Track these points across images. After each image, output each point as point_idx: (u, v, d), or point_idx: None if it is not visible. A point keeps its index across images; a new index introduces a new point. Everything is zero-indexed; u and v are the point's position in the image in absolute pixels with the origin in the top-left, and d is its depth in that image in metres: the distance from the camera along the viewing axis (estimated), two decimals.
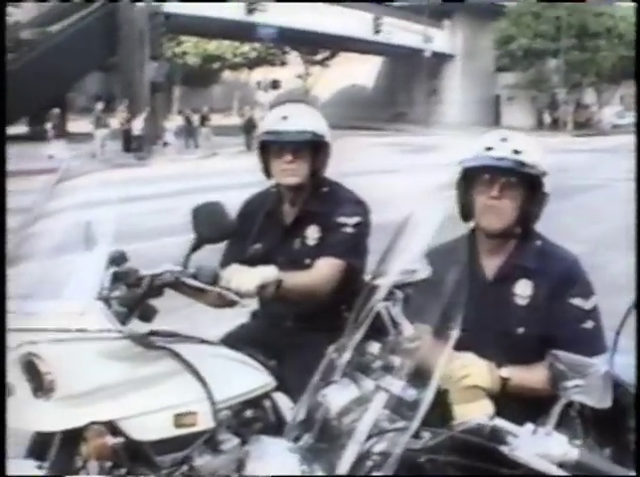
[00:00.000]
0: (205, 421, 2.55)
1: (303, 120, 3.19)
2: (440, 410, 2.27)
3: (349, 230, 3.14)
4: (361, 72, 60.23)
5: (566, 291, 2.59)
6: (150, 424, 2.48)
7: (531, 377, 2.45)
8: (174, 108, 49.59)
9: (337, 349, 2.08)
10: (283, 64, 63.63)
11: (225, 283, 2.63)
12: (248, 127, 30.45)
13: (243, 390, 2.73)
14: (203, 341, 2.79)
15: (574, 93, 49.47)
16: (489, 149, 2.59)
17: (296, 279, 2.92)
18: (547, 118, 50.30)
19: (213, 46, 60.71)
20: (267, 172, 3.29)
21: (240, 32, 45.96)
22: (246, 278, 2.66)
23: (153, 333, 2.69)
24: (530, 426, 1.89)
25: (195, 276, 2.62)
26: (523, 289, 2.64)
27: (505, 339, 2.60)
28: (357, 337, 2.07)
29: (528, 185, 2.62)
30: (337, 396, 1.96)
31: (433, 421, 2.26)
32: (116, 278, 2.66)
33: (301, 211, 3.28)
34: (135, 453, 2.49)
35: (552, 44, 47.55)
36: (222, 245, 3.24)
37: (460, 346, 2.48)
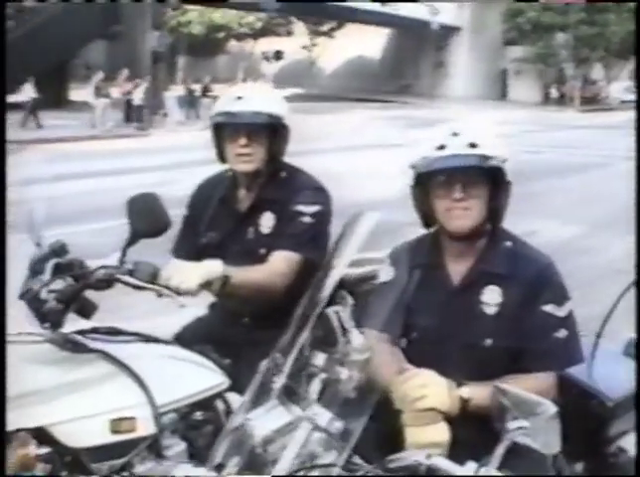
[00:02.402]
0: (144, 427, 2.37)
1: (259, 101, 2.97)
2: (391, 430, 2.09)
3: (306, 219, 2.93)
4: (367, 43, 59.69)
5: (538, 297, 2.35)
6: (84, 431, 2.30)
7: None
8: (178, 78, 49.21)
9: (273, 362, 1.87)
10: (289, 34, 63.19)
11: (164, 281, 2.41)
12: None
13: (192, 391, 2.54)
14: (147, 339, 2.61)
15: (582, 68, 48.93)
16: (441, 148, 2.33)
17: (246, 275, 2.72)
18: (554, 93, 49.83)
19: (218, 15, 60.24)
20: (221, 157, 3.07)
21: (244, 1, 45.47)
22: (187, 276, 2.44)
23: (93, 330, 2.52)
24: (472, 466, 1.69)
25: (131, 273, 2.41)
26: (491, 297, 2.40)
27: (471, 352, 2.37)
28: (297, 346, 1.86)
29: (490, 178, 2.38)
30: (263, 421, 1.76)
31: (383, 442, 2.09)
32: (58, 271, 2.47)
33: (256, 197, 3.07)
34: (70, 461, 2.31)
35: (560, 17, 46.98)
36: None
37: (420, 359, 2.29)
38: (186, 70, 55.03)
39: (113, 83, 29.45)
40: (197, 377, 2.59)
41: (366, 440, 1.83)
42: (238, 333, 2.95)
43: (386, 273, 2.48)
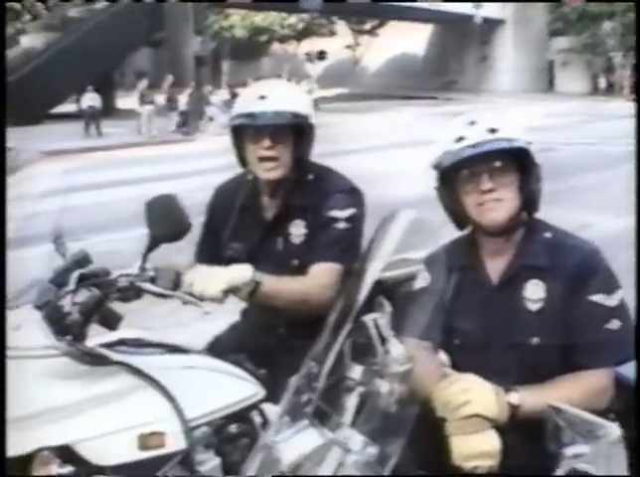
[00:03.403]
0: (174, 442, 2.24)
1: (282, 99, 2.74)
2: (436, 441, 1.94)
3: (341, 225, 2.71)
4: (410, 40, 59.28)
5: (584, 287, 2.16)
6: (111, 447, 2.18)
7: (547, 399, 1.96)
8: (223, 82, 49.43)
9: (306, 375, 1.73)
10: (332, 34, 63.01)
11: (187, 287, 2.28)
12: None
13: (225, 402, 2.40)
14: (176, 350, 2.50)
15: (631, 56, 48.00)
16: (460, 139, 2.17)
17: (283, 285, 2.56)
18: (602, 83, 49.04)
19: (260, 18, 60.36)
20: (242, 160, 2.85)
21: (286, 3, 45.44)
22: (212, 281, 2.30)
23: (120, 342, 2.42)
24: None
25: (153, 280, 2.29)
26: (534, 292, 2.22)
27: (517, 352, 2.19)
28: (332, 354, 1.73)
29: (517, 162, 2.21)
30: (292, 444, 1.61)
31: (427, 455, 1.95)
32: (83, 282, 2.37)
33: (283, 204, 2.84)
34: None
35: (606, 6, 46.17)
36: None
37: (464, 365, 2.14)
38: (230, 73, 55.31)
39: (159, 90, 29.67)
40: (230, 387, 2.45)
41: (409, 456, 1.71)
42: (273, 342, 2.80)
43: (422, 279, 2.34)
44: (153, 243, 2.39)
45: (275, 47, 67.44)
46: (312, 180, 2.85)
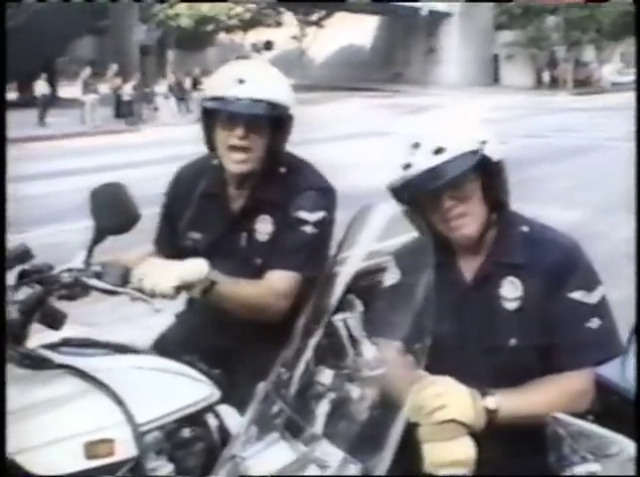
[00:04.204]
0: (124, 449, 2.08)
1: (263, 86, 2.51)
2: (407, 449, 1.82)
3: (309, 229, 2.51)
4: (357, 31, 59.25)
5: (563, 284, 2.05)
6: (55, 457, 2.03)
7: (527, 401, 1.93)
8: (168, 72, 48.85)
9: (276, 381, 1.60)
10: (279, 24, 62.57)
11: (136, 283, 2.11)
12: None
13: (177, 405, 2.25)
14: (126, 350, 2.34)
15: (574, 51, 48.70)
16: (407, 167, 2.05)
17: (238, 287, 2.39)
18: (546, 77, 49.63)
19: (206, 7, 59.67)
20: (210, 144, 2.61)
21: None
22: (163, 277, 2.11)
23: (64, 343, 2.26)
24: None
25: (99, 276, 2.12)
26: (510, 290, 2.11)
27: (493, 354, 2.08)
28: (303, 360, 1.60)
29: (478, 169, 2.07)
30: (261, 460, 1.47)
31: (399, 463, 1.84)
32: (24, 278, 2.20)
33: (251, 197, 2.63)
34: None
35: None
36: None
37: (437, 367, 2.02)
38: (176, 63, 54.61)
39: (102, 79, 29.15)
40: (182, 389, 2.31)
41: None
42: (228, 341, 2.61)
43: (392, 276, 2.22)
44: (99, 236, 2.21)
45: (222, 37, 66.73)
46: (284, 173, 2.64)
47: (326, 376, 1.60)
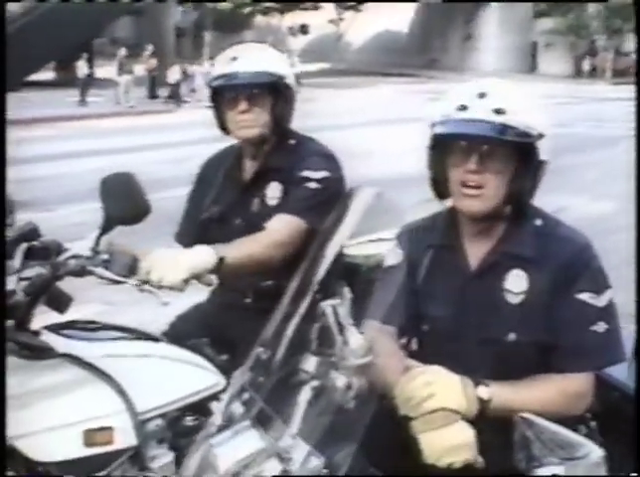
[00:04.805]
0: (123, 438, 2.09)
1: (257, 59, 2.71)
2: (396, 440, 1.81)
3: (313, 185, 2.67)
4: (395, 17, 58.83)
5: (572, 284, 2.01)
6: (54, 443, 2.04)
7: (522, 397, 1.89)
8: (205, 54, 48.92)
9: (254, 368, 1.60)
10: (316, 8, 62.35)
11: (144, 275, 2.08)
12: None
13: (181, 394, 2.25)
14: (130, 333, 2.35)
15: (614, 40, 48.00)
16: (463, 109, 1.99)
17: (242, 250, 2.42)
18: (585, 66, 48.99)
19: None
20: (223, 127, 2.82)
21: None
22: (171, 269, 2.09)
23: (68, 325, 2.27)
24: None
25: (106, 264, 2.09)
26: (515, 283, 2.06)
27: (490, 347, 2.04)
28: (285, 340, 1.59)
29: (517, 153, 2.02)
30: (228, 448, 1.47)
31: (385, 454, 1.83)
32: (31, 256, 2.20)
33: (261, 165, 2.81)
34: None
35: None
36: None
37: (431, 356, 2.00)
38: (212, 45, 54.66)
39: (137, 60, 29.27)
40: (187, 377, 2.31)
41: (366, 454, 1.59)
42: (236, 321, 2.65)
43: (393, 256, 2.19)
44: (108, 225, 2.19)
45: (259, 19, 66.72)
46: (292, 144, 2.82)
47: (310, 363, 1.59)
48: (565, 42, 49.89)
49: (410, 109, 23.86)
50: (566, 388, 1.96)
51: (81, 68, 27.89)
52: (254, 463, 1.45)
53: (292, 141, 2.84)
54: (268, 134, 2.77)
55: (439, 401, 1.74)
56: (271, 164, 2.80)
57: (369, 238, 2.57)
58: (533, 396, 1.90)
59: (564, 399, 1.95)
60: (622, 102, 28.33)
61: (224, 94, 2.75)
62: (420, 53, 56.70)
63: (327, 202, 2.55)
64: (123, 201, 2.19)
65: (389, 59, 55.54)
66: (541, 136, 2.02)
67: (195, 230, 2.85)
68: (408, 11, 59.59)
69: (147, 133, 18.80)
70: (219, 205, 2.85)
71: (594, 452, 1.38)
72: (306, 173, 2.69)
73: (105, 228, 2.20)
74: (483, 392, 1.83)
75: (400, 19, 59.61)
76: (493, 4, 52.25)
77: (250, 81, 2.68)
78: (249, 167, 2.86)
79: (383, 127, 19.54)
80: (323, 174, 2.69)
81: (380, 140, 16.28)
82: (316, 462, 1.47)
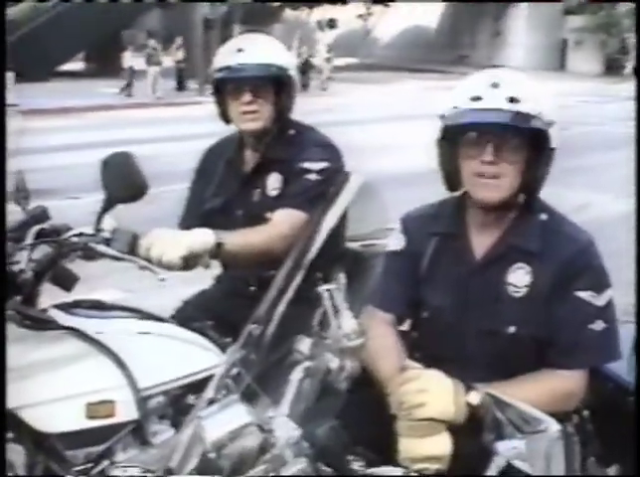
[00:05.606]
0: (125, 412, 2.15)
1: (262, 52, 2.72)
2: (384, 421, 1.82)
3: (312, 176, 2.69)
4: (423, 12, 58.67)
5: (573, 281, 2.02)
6: (56, 415, 2.10)
7: (514, 395, 1.82)
8: None
9: (247, 346, 1.62)
10: (344, 3, 62.28)
11: (144, 252, 2.15)
12: (304, 68, 29.92)
13: (183, 372, 2.31)
14: (135, 313, 2.38)
15: None
16: (476, 99, 1.99)
17: (243, 239, 2.47)
18: (615, 64, 48.56)
19: None
20: (225, 116, 2.84)
21: None
22: (171, 247, 2.15)
23: (75, 304, 2.31)
24: None
25: (108, 242, 2.16)
26: (518, 277, 2.07)
27: (489, 339, 2.05)
28: (276, 317, 1.60)
29: (530, 141, 2.02)
30: (216, 420, 1.49)
31: (374, 434, 1.83)
32: (41, 238, 2.26)
33: (262, 157, 2.84)
34: (44, 447, 2.10)
35: None
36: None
37: (429, 343, 2.00)
38: None
39: (166, 52, 29.38)
40: (190, 356, 2.36)
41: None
42: (240, 306, 2.68)
43: (396, 241, 2.19)
44: (108, 204, 2.27)
45: (287, 13, 66.80)
46: (292, 135, 2.84)
47: (304, 344, 1.62)
48: (595, 40, 49.49)
49: (435, 106, 23.90)
50: (557, 387, 1.97)
51: (127, 59, 28.11)
52: (239, 435, 1.46)
53: (292, 131, 2.88)
54: (270, 126, 2.79)
55: (429, 412, 1.74)
56: (272, 155, 2.84)
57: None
58: (523, 396, 1.88)
59: (554, 399, 1.95)
60: None
61: (227, 85, 2.77)
62: (449, 49, 56.46)
63: (327, 191, 2.58)
64: (121, 180, 2.25)
65: (417, 54, 55.40)
66: (552, 123, 2.03)
67: (197, 221, 2.84)
68: (438, 7, 59.39)
69: (174, 124, 18.85)
70: (220, 196, 2.88)
71: (552, 427, 1.41)
72: (306, 164, 2.73)
73: (106, 206, 2.27)
74: (473, 398, 1.80)
75: (430, 15, 59.41)
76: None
77: (256, 74, 2.70)
78: (250, 158, 2.89)
79: (404, 123, 19.49)
80: (323, 165, 2.73)
81: (406, 136, 16.24)
82: (296, 434, 1.50)
